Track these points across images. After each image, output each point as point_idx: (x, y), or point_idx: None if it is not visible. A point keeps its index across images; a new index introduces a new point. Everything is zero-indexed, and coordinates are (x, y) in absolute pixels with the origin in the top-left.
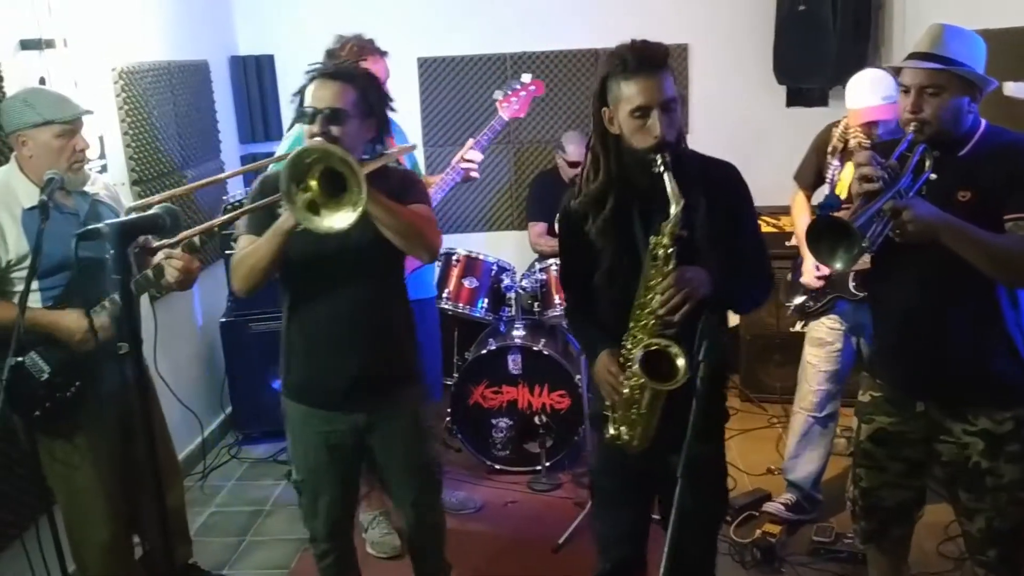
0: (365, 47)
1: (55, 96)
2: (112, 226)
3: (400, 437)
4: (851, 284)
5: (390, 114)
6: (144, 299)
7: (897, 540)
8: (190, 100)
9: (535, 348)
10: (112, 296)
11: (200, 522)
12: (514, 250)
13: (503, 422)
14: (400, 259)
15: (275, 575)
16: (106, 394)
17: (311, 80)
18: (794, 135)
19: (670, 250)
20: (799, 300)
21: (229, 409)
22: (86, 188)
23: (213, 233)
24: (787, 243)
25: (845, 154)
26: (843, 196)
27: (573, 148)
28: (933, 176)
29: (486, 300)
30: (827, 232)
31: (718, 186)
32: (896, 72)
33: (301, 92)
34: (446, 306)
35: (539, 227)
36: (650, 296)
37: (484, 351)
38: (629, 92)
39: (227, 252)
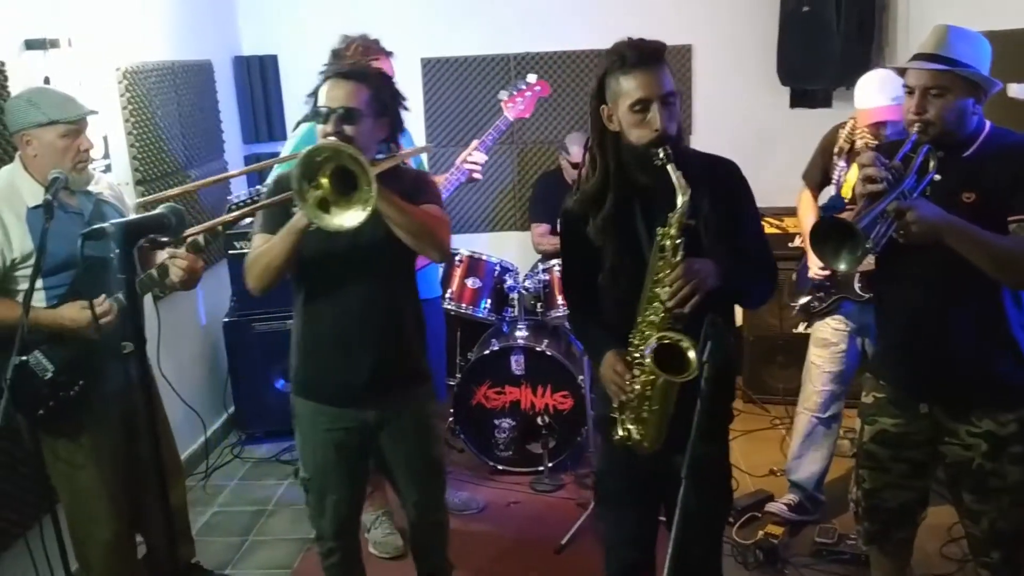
0: (371, 47)
1: (60, 96)
2: (117, 225)
3: (409, 435)
4: (856, 285)
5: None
6: (147, 298)
7: (900, 542)
8: (194, 100)
9: (538, 349)
10: (116, 295)
11: (203, 522)
12: (517, 251)
13: (506, 423)
14: (411, 258)
15: (278, 575)
16: (110, 393)
17: (325, 80)
18: (797, 136)
19: (678, 240)
20: (804, 300)
21: (232, 409)
22: (90, 188)
23: (217, 232)
24: (790, 244)
25: (852, 155)
26: (849, 197)
27: (577, 149)
28: (937, 177)
29: (489, 300)
30: (831, 233)
31: (720, 182)
32: (901, 73)
33: (315, 92)
34: (449, 306)
35: (542, 228)
36: (658, 289)
37: (487, 351)
38: (628, 86)
39: (231, 252)
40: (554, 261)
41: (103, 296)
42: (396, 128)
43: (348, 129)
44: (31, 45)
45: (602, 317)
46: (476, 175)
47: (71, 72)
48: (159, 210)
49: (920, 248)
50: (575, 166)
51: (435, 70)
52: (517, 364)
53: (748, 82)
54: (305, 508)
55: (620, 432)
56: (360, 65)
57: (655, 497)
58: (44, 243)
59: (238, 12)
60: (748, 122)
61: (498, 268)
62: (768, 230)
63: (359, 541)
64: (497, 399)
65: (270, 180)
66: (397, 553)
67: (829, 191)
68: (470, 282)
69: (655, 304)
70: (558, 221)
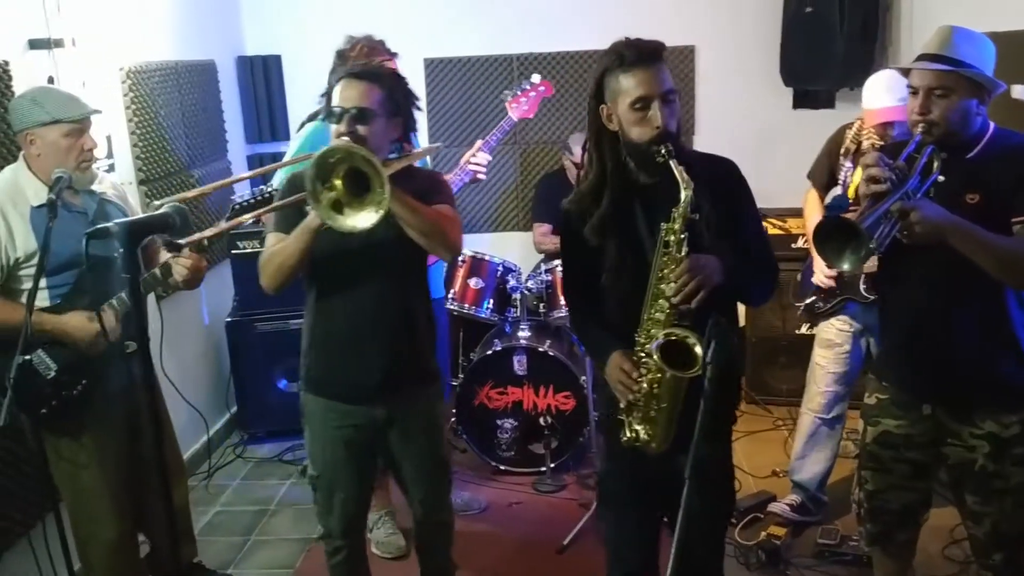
0: (375, 48)
1: (64, 95)
2: (122, 225)
3: (418, 433)
4: (862, 287)
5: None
6: (150, 298)
7: (902, 543)
8: (197, 100)
9: (540, 349)
10: (119, 295)
11: (205, 521)
12: (520, 251)
13: (508, 423)
14: (423, 257)
15: (280, 574)
16: (112, 393)
17: (339, 80)
18: (800, 137)
19: (682, 235)
20: (808, 301)
21: (234, 408)
22: (94, 187)
23: (204, 247)
24: (793, 245)
25: (858, 155)
26: (853, 197)
27: (580, 150)
28: (941, 178)
29: (491, 301)
30: (835, 233)
31: (719, 182)
32: (905, 73)
33: (329, 92)
34: (452, 306)
35: (544, 227)
36: (663, 286)
37: (489, 352)
38: (628, 85)
39: (233, 252)
40: (556, 261)
41: (108, 304)
42: (409, 128)
43: (361, 129)
44: (35, 45)
45: (604, 318)
46: (480, 175)
47: (75, 72)
48: (163, 209)
49: (924, 249)
50: (578, 166)
51: (438, 70)
52: (519, 364)
53: (751, 83)
54: (307, 507)
55: (628, 433)
56: (374, 66)
57: (658, 499)
58: (48, 242)
59: (242, 12)
60: (751, 123)
61: (501, 268)
62: (771, 231)
63: (365, 540)
64: (499, 399)
65: (275, 182)
66: (400, 553)
67: (835, 191)
68: (473, 282)
69: (660, 301)
70: (559, 222)
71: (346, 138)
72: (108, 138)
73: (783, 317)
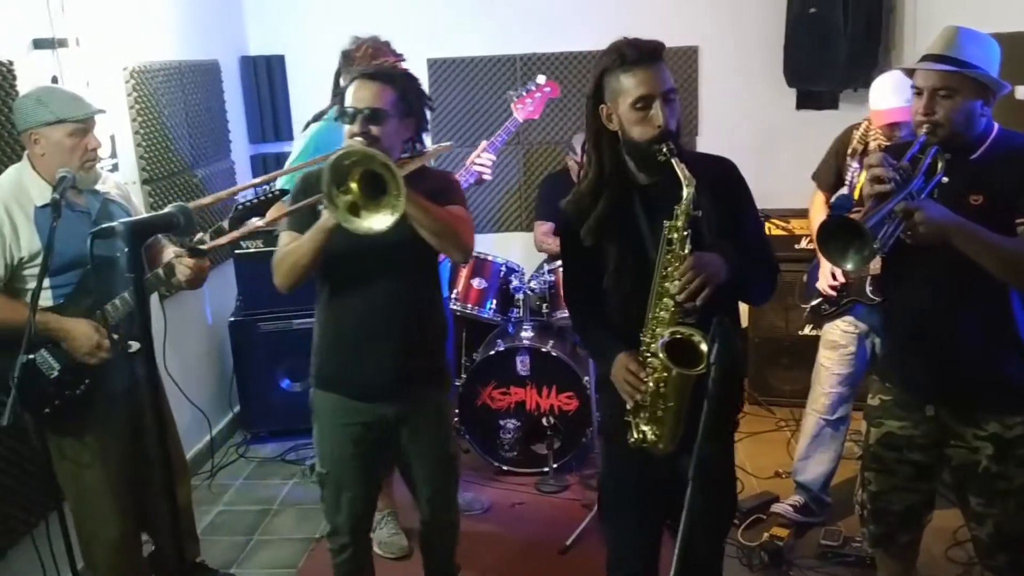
0: (381, 48)
1: (68, 95)
2: (126, 224)
3: (428, 432)
4: (868, 288)
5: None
6: (153, 298)
7: (905, 544)
8: (201, 100)
9: (543, 349)
10: (123, 295)
11: (208, 521)
12: (523, 251)
13: (511, 423)
14: (435, 256)
15: (283, 574)
16: (116, 393)
17: (352, 81)
18: (804, 138)
19: (685, 232)
20: (815, 302)
21: (237, 408)
22: (97, 187)
23: (224, 232)
24: (796, 246)
25: (865, 156)
26: (858, 197)
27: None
28: (945, 179)
29: (494, 301)
30: (838, 232)
31: (719, 181)
32: (909, 74)
33: (342, 93)
34: (455, 307)
35: (546, 226)
36: (667, 284)
37: (492, 352)
38: (629, 84)
39: (236, 251)
40: (559, 262)
41: (116, 311)
42: (421, 128)
43: (374, 130)
44: (39, 44)
45: (606, 319)
46: (485, 176)
47: (79, 71)
48: (168, 209)
49: (927, 249)
50: (581, 166)
51: (441, 71)
52: (522, 365)
53: (754, 83)
54: (309, 507)
55: (635, 435)
56: (387, 66)
57: (660, 505)
58: (52, 242)
59: (245, 12)
60: (754, 123)
61: (504, 269)
62: (774, 232)
63: (371, 539)
64: (502, 400)
65: (280, 182)
66: (402, 553)
67: (842, 192)
68: (476, 283)
69: (665, 300)
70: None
71: (360, 139)
72: (112, 138)
73: (786, 318)
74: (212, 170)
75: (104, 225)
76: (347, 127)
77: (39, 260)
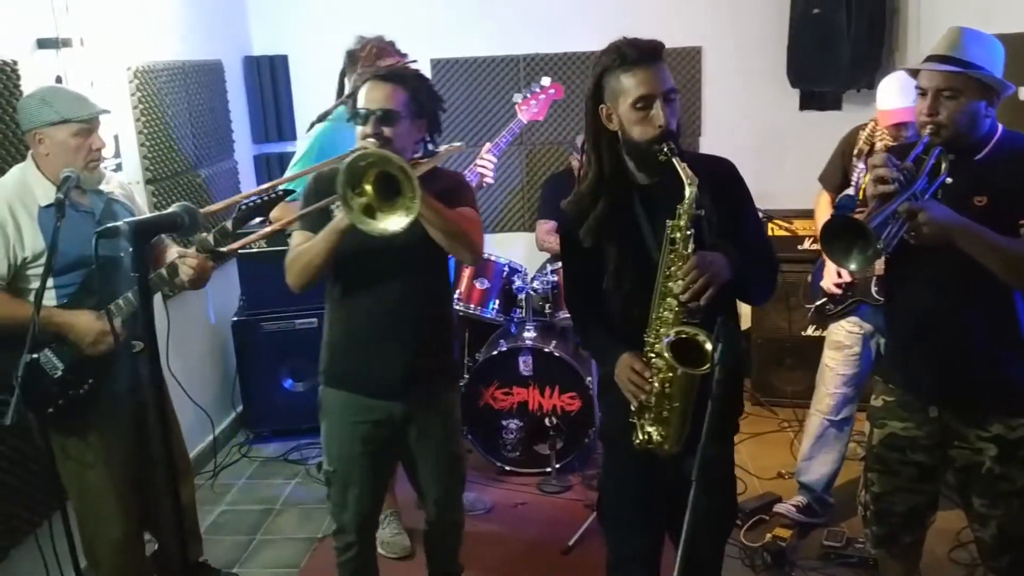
0: (385, 48)
1: (73, 95)
2: (131, 224)
3: (436, 431)
4: (873, 289)
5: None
6: (156, 297)
7: (908, 546)
8: (204, 100)
9: (546, 350)
10: (126, 295)
11: (210, 520)
12: (525, 251)
13: (513, 423)
14: (445, 257)
15: (285, 574)
16: (119, 392)
17: (364, 82)
18: (807, 139)
19: (688, 232)
20: (819, 302)
21: (240, 408)
22: (101, 187)
23: (228, 232)
24: (800, 247)
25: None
26: (863, 198)
27: None
28: (949, 180)
29: (497, 301)
30: (842, 232)
31: (718, 181)
32: (913, 74)
33: (354, 93)
34: (457, 307)
35: (548, 225)
36: (671, 284)
37: (495, 352)
38: (630, 84)
39: (240, 252)
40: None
41: (120, 311)
42: (433, 129)
43: (386, 131)
44: (43, 44)
45: (607, 321)
46: (487, 179)
47: (83, 71)
48: (172, 209)
49: (931, 250)
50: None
51: (445, 71)
52: (525, 365)
53: (757, 84)
54: (312, 507)
55: (640, 436)
56: (399, 68)
57: (661, 508)
58: (56, 242)
59: (249, 12)
60: (757, 124)
61: (506, 269)
62: (777, 232)
63: (375, 539)
64: (505, 400)
65: (310, 180)
66: (405, 553)
67: (848, 193)
68: (478, 283)
69: (668, 300)
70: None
71: (372, 140)
72: (115, 137)
73: (789, 319)
74: (215, 170)
75: (109, 225)
76: (359, 128)
77: (43, 260)
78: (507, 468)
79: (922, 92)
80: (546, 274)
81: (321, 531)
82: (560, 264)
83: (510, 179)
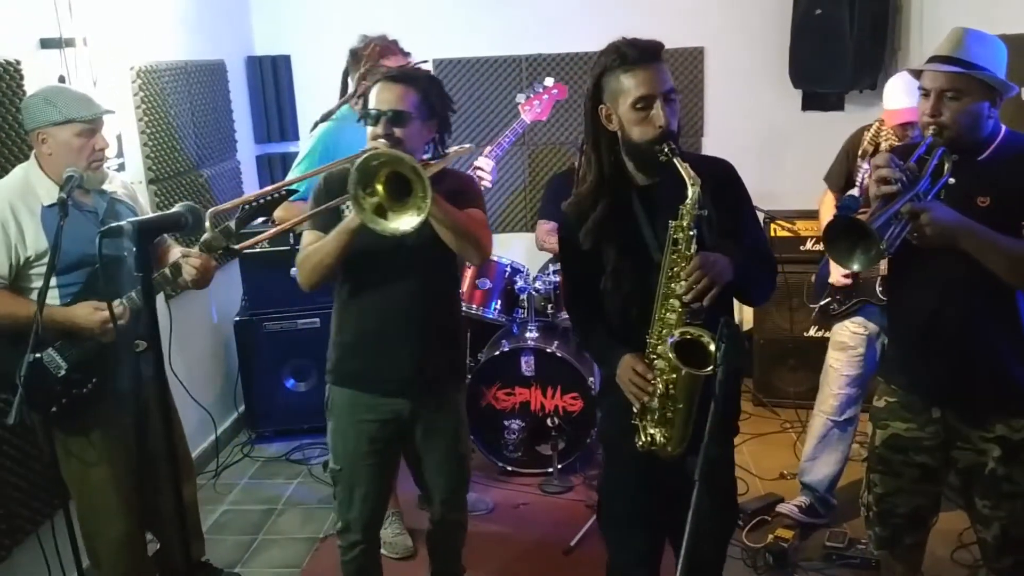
0: (388, 47)
1: (77, 95)
2: (135, 224)
3: (443, 429)
4: (878, 289)
5: None
6: (159, 297)
7: (911, 547)
8: (207, 100)
9: (548, 350)
10: (129, 294)
11: (213, 520)
12: (527, 252)
13: (515, 424)
14: (454, 257)
15: (287, 573)
16: (122, 391)
17: (375, 82)
18: (809, 139)
19: (691, 232)
20: (824, 302)
21: (242, 407)
22: (104, 186)
23: (231, 232)
24: (802, 247)
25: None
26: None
27: None
28: (952, 181)
29: (499, 302)
30: (845, 233)
31: (716, 182)
32: (916, 75)
33: (365, 94)
34: None
35: (548, 225)
36: (673, 285)
37: (497, 352)
38: (630, 84)
39: (242, 251)
40: None
41: (118, 301)
42: (443, 130)
43: (397, 132)
44: (47, 44)
45: (606, 322)
46: (484, 183)
47: (86, 71)
48: (176, 209)
49: (934, 251)
50: None
51: (447, 71)
52: (527, 365)
53: (760, 84)
54: (314, 507)
55: (643, 438)
56: (410, 69)
57: (661, 511)
58: (59, 241)
59: (251, 13)
60: (760, 124)
61: (508, 269)
62: (779, 233)
63: (379, 538)
64: (507, 400)
65: (320, 180)
66: (407, 553)
67: (852, 194)
68: (480, 283)
69: (671, 301)
70: (558, 226)
71: (383, 141)
72: (118, 137)
73: (791, 319)
74: (218, 170)
75: (113, 224)
76: (370, 129)
77: (45, 259)
78: (509, 468)
79: (925, 93)
80: (548, 274)
81: (323, 531)
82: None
83: (512, 179)
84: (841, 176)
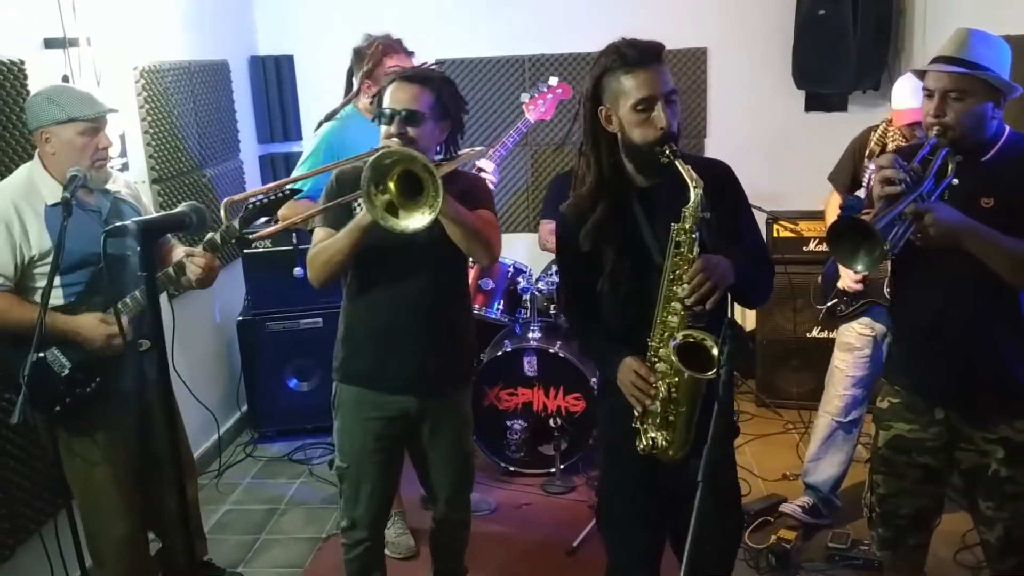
0: (392, 46)
1: (80, 94)
2: (139, 223)
3: (449, 428)
4: (886, 290)
5: None
6: (162, 297)
7: (914, 548)
8: (210, 99)
9: (551, 350)
10: (133, 293)
11: (215, 520)
12: (530, 252)
13: (518, 424)
14: (464, 256)
15: (289, 573)
16: (126, 391)
17: (391, 82)
18: (813, 140)
19: (694, 235)
20: (831, 303)
21: (245, 407)
22: (108, 186)
23: (235, 232)
24: (805, 248)
25: None
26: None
27: None
28: (955, 181)
29: (502, 302)
30: (849, 233)
31: (715, 184)
32: (920, 75)
33: (379, 94)
34: None
35: (551, 225)
36: (675, 287)
37: (500, 353)
38: (631, 85)
39: (245, 251)
40: None
41: (127, 320)
42: (456, 131)
43: (411, 131)
44: (50, 44)
45: (605, 324)
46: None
47: (89, 71)
48: (180, 208)
49: (938, 251)
50: None
51: (450, 71)
52: (530, 365)
53: (763, 85)
54: (316, 507)
55: (644, 442)
56: (424, 69)
57: (662, 514)
58: (62, 240)
59: (255, 13)
60: (763, 125)
61: (511, 269)
62: (783, 234)
63: (384, 537)
64: (509, 400)
65: (331, 177)
66: (410, 553)
67: (859, 195)
68: (483, 283)
69: (673, 303)
70: (556, 228)
71: (396, 140)
72: (122, 137)
73: (794, 320)
74: (221, 170)
75: (117, 224)
76: (384, 128)
77: (49, 259)
78: (511, 469)
79: (928, 93)
80: (551, 275)
81: (326, 531)
82: None
83: (515, 179)
84: (847, 176)
